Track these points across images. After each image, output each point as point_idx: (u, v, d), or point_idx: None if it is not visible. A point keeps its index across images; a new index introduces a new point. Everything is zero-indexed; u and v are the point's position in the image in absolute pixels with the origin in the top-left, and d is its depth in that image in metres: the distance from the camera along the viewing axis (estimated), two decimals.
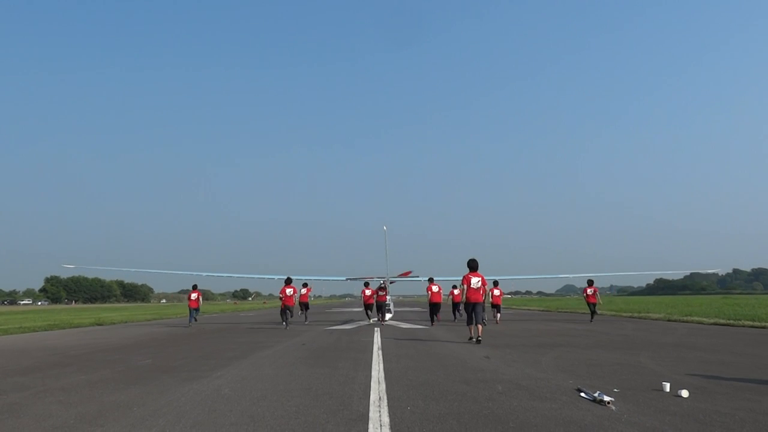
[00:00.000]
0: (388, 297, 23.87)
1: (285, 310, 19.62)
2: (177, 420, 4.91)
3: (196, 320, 22.82)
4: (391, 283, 27.46)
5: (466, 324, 13.46)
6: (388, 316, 23.78)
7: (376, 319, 22.65)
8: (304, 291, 22.34)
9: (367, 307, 23.23)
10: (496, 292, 21.85)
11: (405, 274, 34.08)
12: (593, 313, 22.24)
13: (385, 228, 28.54)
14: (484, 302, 13.25)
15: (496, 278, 22.47)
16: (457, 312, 22.92)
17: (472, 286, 13.05)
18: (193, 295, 22.57)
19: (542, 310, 37.61)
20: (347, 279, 35.43)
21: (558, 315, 29.57)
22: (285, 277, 20.72)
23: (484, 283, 13.20)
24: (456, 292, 22.32)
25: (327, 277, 37.58)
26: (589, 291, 22.55)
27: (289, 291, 19.95)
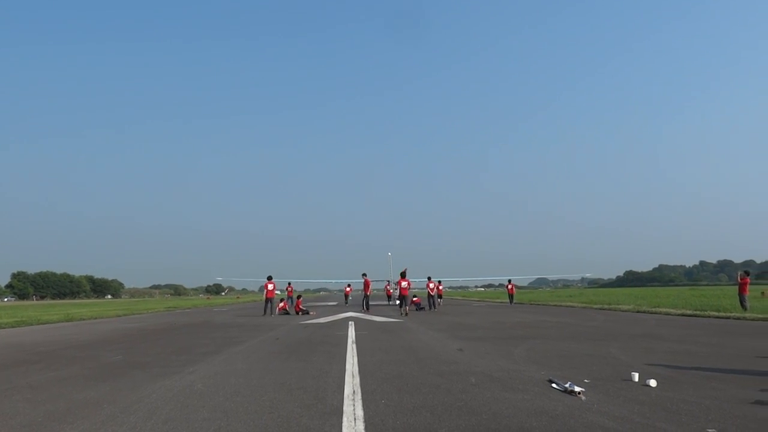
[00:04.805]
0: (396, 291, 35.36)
1: (267, 301, 24.28)
2: (149, 416, 4.84)
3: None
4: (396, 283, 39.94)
5: (398, 307, 23.70)
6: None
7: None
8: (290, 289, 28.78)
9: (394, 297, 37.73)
10: (431, 285, 28.73)
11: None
12: (511, 301, 35.47)
13: (389, 254, 41.44)
14: (408, 295, 23.83)
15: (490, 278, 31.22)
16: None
17: (402, 286, 23.80)
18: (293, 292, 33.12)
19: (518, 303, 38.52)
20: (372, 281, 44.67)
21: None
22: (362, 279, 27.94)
23: (408, 285, 24.21)
24: (431, 285, 29.00)
25: (355, 280, 44.54)
26: (509, 286, 36.28)
27: (270, 286, 24.35)
